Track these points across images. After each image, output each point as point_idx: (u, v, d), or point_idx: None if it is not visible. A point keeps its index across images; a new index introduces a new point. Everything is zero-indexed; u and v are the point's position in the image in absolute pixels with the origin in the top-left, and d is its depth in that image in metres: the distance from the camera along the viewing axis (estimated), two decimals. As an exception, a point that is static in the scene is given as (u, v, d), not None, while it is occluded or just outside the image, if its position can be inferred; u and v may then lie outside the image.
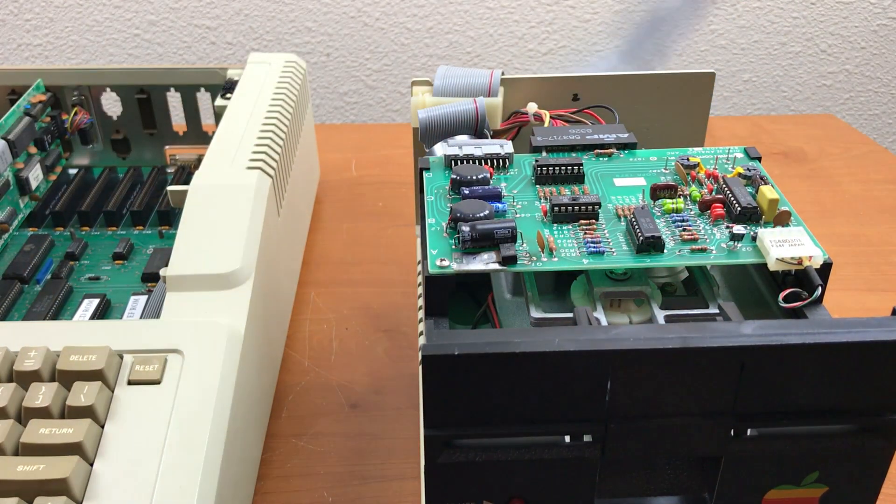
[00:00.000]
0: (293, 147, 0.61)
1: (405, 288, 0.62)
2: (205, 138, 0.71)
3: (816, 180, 0.78)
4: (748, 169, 0.40)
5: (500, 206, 0.37)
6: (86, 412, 0.37)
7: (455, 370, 0.28)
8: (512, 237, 0.35)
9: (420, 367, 0.38)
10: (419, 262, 0.49)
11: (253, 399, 0.44)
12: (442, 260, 0.35)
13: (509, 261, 0.34)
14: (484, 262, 0.34)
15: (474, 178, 0.39)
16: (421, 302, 0.45)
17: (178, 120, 0.71)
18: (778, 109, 1.07)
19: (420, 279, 0.47)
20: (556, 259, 0.35)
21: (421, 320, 0.45)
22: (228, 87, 0.64)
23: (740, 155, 0.42)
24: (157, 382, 0.39)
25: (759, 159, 0.42)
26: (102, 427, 0.37)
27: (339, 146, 0.83)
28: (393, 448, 0.48)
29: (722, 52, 1.02)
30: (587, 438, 0.30)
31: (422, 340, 0.43)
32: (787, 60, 1.03)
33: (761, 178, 0.39)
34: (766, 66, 1.03)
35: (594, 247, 0.35)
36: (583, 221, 0.37)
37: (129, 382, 0.39)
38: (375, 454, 0.47)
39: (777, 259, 0.34)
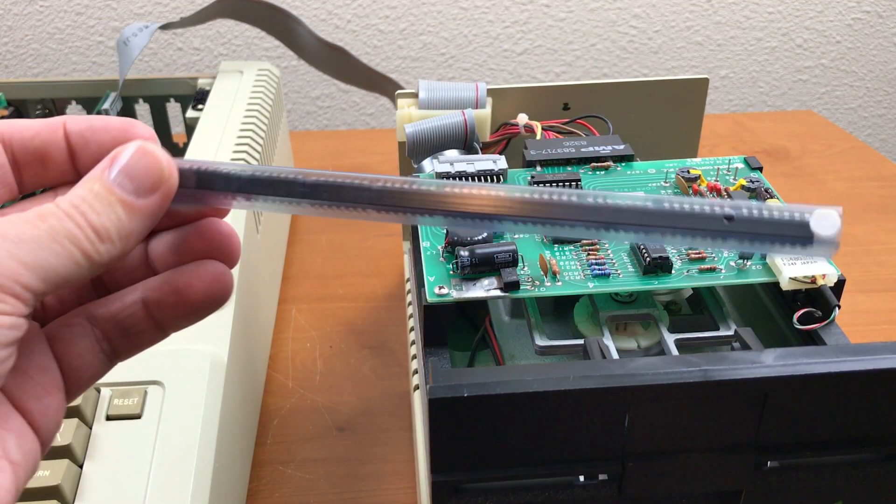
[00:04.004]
0: (269, 159, 0.59)
1: (390, 302, 0.60)
2: (175, 150, 0.68)
3: (801, 179, 0.77)
4: (750, 181, 0.39)
5: (497, 226, 0.36)
6: (62, 452, 0.35)
7: (464, 413, 0.27)
8: (513, 261, 0.33)
9: (421, 407, 0.36)
10: (407, 280, 0.48)
11: (238, 427, 0.43)
12: (441, 287, 0.33)
13: (511, 287, 0.33)
14: (485, 289, 0.33)
15: (469, 196, 0.37)
16: (412, 323, 0.43)
17: (148, 131, 0.69)
18: (755, 105, 1.06)
19: (410, 298, 0.45)
20: (559, 283, 0.33)
21: (413, 343, 0.43)
22: (200, 97, 0.62)
23: (741, 165, 0.41)
24: (138, 417, 0.37)
25: (761, 169, 0.40)
26: (81, 467, 0.35)
27: (314, 154, 0.81)
28: (384, 472, 0.46)
29: (698, 48, 1.01)
30: (603, 477, 0.29)
31: (414, 365, 0.41)
32: (763, 56, 1.03)
33: (766, 191, 0.38)
34: (743, 61, 1.03)
35: (599, 269, 0.34)
36: (584, 241, 0.36)
37: (108, 418, 0.37)
38: (367, 479, 0.46)
39: (790, 278, 0.32)
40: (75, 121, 0.25)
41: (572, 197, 0.22)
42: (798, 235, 0.21)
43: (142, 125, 0.25)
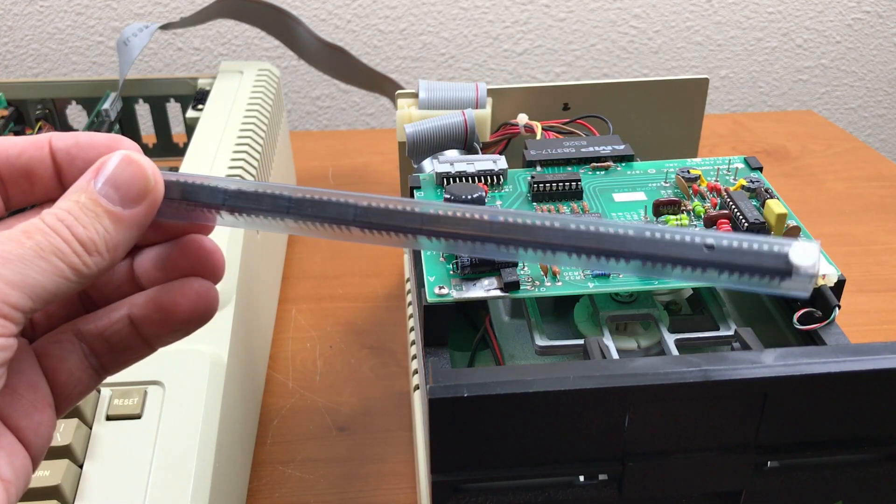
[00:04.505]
0: (269, 160, 0.59)
1: (390, 302, 0.60)
2: (175, 150, 0.68)
3: (800, 179, 0.77)
4: (751, 181, 0.39)
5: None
6: (62, 452, 0.35)
7: (464, 413, 0.27)
8: (513, 261, 0.33)
9: (421, 407, 0.36)
10: (407, 280, 0.48)
11: (238, 428, 0.42)
12: (441, 287, 0.33)
13: (511, 287, 0.33)
14: (485, 289, 0.33)
15: (469, 197, 0.37)
16: (412, 323, 0.43)
17: (147, 131, 0.69)
18: (755, 105, 1.06)
19: (410, 298, 0.45)
20: (559, 283, 0.33)
21: (413, 343, 0.43)
22: (200, 97, 0.62)
23: (741, 165, 0.41)
24: (138, 417, 0.37)
25: (761, 169, 0.40)
26: (81, 467, 0.35)
27: (315, 154, 0.81)
28: (384, 472, 0.46)
29: (698, 48, 1.01)
30: (603, 477, 0.29)
31: (414, 365, 0.41)
32: (763, 56, 1.03)
33: (766, 191, 0.38)
34: (743, 61, 1.03)
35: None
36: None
37: (108, 418, 0.37)
38: (367, 479, 0.46)
39: (790, 278, 0.32)
40: (61, 137, 0.25)
41: (555, 222, 0.22)
42: (776, 267, 0.22)
43: (128, 140, 0.25)
